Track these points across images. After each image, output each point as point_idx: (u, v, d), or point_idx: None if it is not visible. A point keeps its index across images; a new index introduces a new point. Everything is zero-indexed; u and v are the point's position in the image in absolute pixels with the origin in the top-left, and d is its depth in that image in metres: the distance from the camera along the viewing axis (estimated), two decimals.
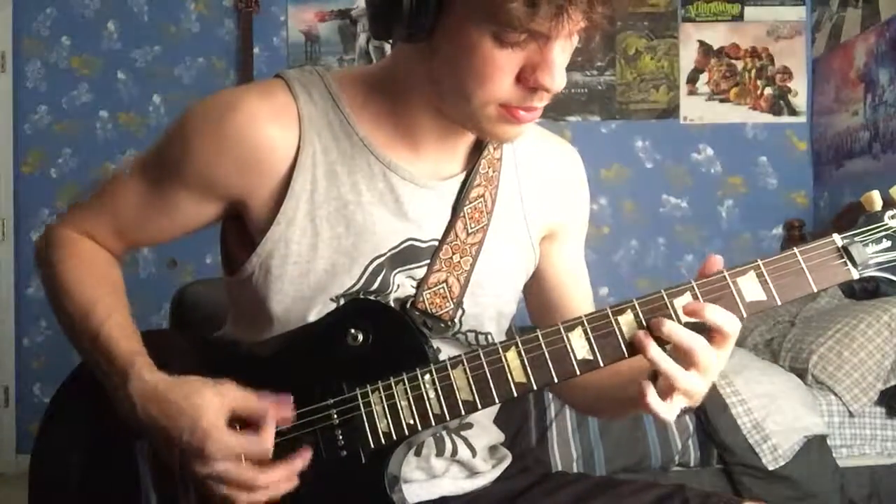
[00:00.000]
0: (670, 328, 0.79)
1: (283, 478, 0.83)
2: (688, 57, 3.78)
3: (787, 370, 2.54)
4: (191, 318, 1.80)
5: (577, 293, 1.08)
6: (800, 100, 3.78)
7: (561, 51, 0.80)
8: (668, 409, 0.81)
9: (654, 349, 0.79)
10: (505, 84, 0.80)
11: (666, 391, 0.81)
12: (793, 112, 3.78)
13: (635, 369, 0.88)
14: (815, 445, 2.28)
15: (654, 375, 0.82)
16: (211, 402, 0.82)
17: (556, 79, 0.80)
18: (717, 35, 3.78)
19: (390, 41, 0.92)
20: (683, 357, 0.79)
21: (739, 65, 3.78)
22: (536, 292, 1.08)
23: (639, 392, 0.81)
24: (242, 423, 0.83)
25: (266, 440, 0.82)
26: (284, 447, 0.85)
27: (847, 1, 3.43)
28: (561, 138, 1.08)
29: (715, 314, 0.79)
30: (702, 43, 3.79)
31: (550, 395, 2.27)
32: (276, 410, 0.84)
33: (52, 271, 0.96)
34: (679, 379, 0.79)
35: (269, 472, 0.82)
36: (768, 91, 3.78)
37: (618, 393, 0.96)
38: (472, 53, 0.79)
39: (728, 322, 0.79)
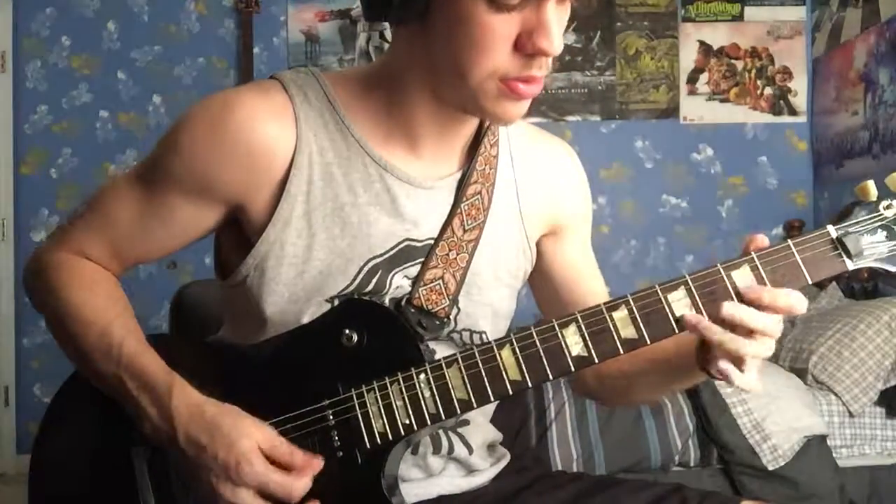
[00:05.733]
0: (734, 310, 0.78)
1: None
2: (688, 57, 3.78)
3: (787, 370, 2.54)
4: (190, 319, 1.79)
5: (586, 289, 1.07)
6: (800, 100, 3.77)
7: (556, 13, 0.80)
8: (752, 380, 0.80)
9: (712, 329, 0.79)
10: (503, 52, 0.80)
11: (734, 362, 0.80)
12: (793, 112, 3.78)
13: (665, 350, 0.88)
14: (815, 445, 2.28)
15: (706, 353, 0.82)
16: (252, 430, 0.82)
17: (554, 41, 0.79)
18: (717, 35, 3.78)
19: (387, 34, 0.91)
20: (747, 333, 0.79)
21: (739, 65, 3.78)
22: (546, 291, 1.07)
23: (724, 377, 0.80)
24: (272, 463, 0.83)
25: (298, 483, 0.82)
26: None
27: (847, 1, 3.43)
28: (556, 137, 1.08)
29: (781, 299, 0.78)
30: (702, 43, 3.78)
31: (551, 395, 2.27)
32: (307, 462, 0.83)
33: (54, 296, 0.93)
34: (745, 347, 0.78)
35: None
36: (768, 91, 3.78)
37: (661, 372, 0.95)
38: (468, 23, 0.78)
39: (797, 304, 0.78)
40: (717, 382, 2.31)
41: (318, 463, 0.84)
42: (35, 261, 0.99)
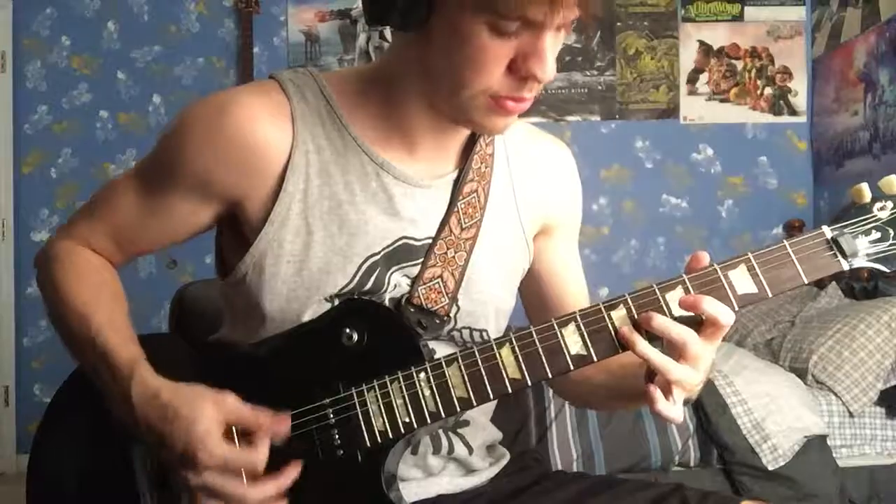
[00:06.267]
0: (661, 322, 0.80)
1: (273, 493, 0.83)
2: (688, 57, 3.79)
3: (787, 370, 2.54)
4: (191, 319, 1.79)
5: (570, 289, 1.08)
6: (800, 100, 3.78)
7: (552, 41, 0.81)
8: (673, 409, 0.82)
9: (642, 344, 0.80)
10: (496, 73, 0.81)
11: (664, 387, 0.81)
12: (793, 112, 3.78)
13: (626, 366, 0.89)
14: (815, 445, 2.28)
15: (652, 375, 0.83)
16: (208, 412, 0.82)
17: (547, 68, 0.80)
18: (717, 35, 3.79)
19: (387, 33, 0.92)
20: (675, 350, 0.80)
21: (739, 65, 3.78)
22: (531, 289, 1.08)
23: (647, 398, 0.82)
24: (239, 435, 0.83)
25: (258, 454, 0.82)
26: (282, 448, 0.85)
27: (847, 1, 3.43)
28: (552, 136, 1.09)
29: (712, 306, 0.79)
30: (702, 43, 3.79)
31: (551, 395, 2.28)
32: (272, 425, 0.83)
33: (52, 284, 0.96)
34: (672, 371, 0.80)
35: (259, 487, 0.82)
36: (768, 91, 3.78)
37: (612, 388, 0.97)
38: (467, 43, 0.79)
39: (723, 313, 0.80)
40: (718, 382, 2.32)
41: (285, 423, 0.83)
42: (44, 249, 1.01)
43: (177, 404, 0.82)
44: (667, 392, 0.81)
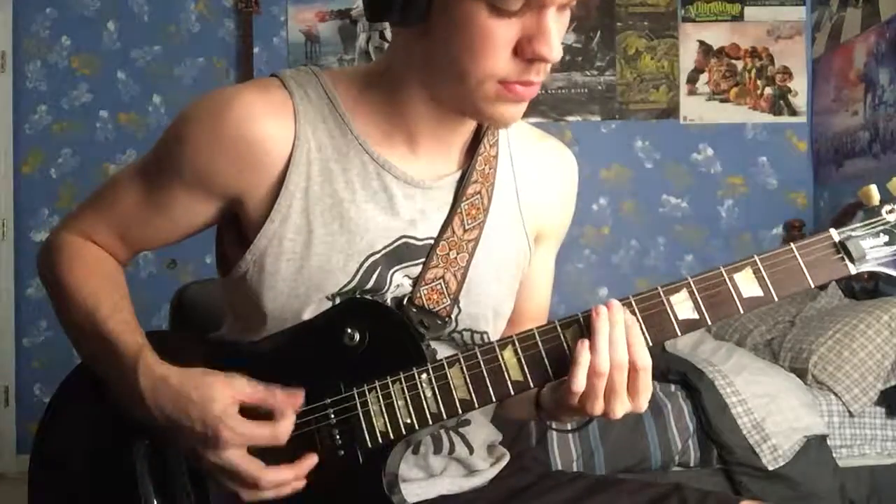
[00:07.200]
0: (599, 327, 0.81)
1: (290, 479, 0.83)
2: (688, 57, 3.78)
3: (787, 370, 2.54)
4: (190, 318, 1.79)
5: (533, 302, 1.08)
6: (800, 100, 3.77)
7: (556, 20, 0.80)
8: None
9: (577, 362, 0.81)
10: (502, 57, 0.80)
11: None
12: (793, 112, 3.78)
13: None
14: (815, 445, 2.28)
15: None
16: (222, 392, 0.82)
17: (554, 48, 0.79)
18: (717, 35, 3.78)
19: (387, 33, 0.92)
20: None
21: (739, 65, 3.78)
22: None
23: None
24: (251, 413, 0.84)
25: (280, 426, 0.83)
26: (284, 447, 0.85)
27: (847, 1, 3.43)
28: (559, 141, 1.08)
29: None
30: (702, 43, 3.78)
31: None
32: (290, 400, 0.84)
33: (55, 275, 0.96)
34: (585, 398, 0.82)
35: (277, 471, 0.83)
36: (768, 91, 3.78)
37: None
38: (468, 27, 0.79)
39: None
40: (718, 383, 2.32)
41: (299, 397, 0.84)
42: (47, 242, 1.02)
43: (188, 387, 0.83)
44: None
